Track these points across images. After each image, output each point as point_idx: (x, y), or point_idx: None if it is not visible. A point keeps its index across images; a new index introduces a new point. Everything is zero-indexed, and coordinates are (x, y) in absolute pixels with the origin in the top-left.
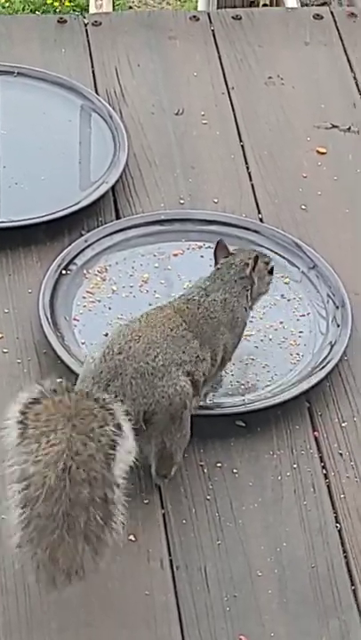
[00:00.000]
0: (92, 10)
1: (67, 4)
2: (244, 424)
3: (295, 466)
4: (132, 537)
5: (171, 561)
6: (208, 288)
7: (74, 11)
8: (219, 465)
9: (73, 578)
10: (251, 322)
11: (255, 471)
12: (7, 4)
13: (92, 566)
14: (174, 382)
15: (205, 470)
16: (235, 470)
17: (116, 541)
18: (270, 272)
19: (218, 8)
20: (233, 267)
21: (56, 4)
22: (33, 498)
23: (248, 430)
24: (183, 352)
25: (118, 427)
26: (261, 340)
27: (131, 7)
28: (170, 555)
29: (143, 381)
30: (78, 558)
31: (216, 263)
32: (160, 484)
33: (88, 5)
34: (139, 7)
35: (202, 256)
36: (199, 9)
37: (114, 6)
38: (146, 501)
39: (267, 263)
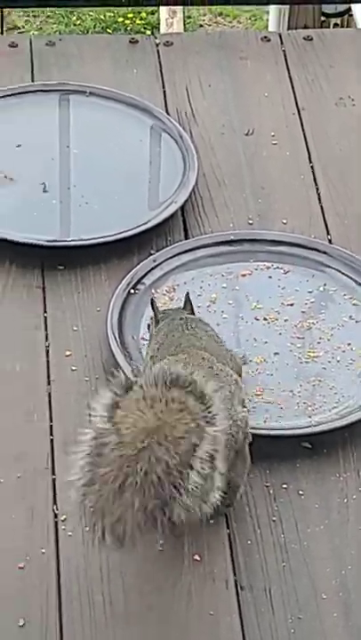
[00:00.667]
0: (163, 28)
1: (137, 22)
2: (310, 446)
3: None
4: (196, 557)
5: (236, 581)
6: (186, 317)
7: (145, 29)
8: (284, 486)
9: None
10: (318, 343)
11: (321, 493)
12: (78, 22)
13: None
14: (235, 420)
15: (271, 491)
16: (300, 492)
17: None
18: None
19: (288, 29)
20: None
21: (127, 22)
22: (104, 453)
23: (314, 452)
24: (229, 384)
25: (202, 429)
26: (329, 362)
27: (201, 25)
28: (235, 575)
29: None
30: (121, 519)
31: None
32: (226, 512)
33: (159, 23)
34: (209, 25)
35: (270, 277)
36: (270, 29)
37: (185, 24)
38: (211, 521)
39: None
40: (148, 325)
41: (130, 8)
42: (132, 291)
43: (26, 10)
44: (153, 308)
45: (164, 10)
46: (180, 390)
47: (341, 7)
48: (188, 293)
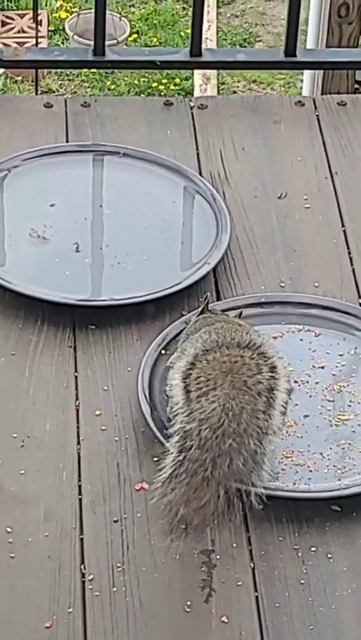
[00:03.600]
0: (197, 94)
1: (171, 87)
2: (339, 508)
3: None
4: (224, 618)
5: None
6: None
7: (178, 94)
8: (313, 549)
9: (195, 526)
10: (349, 406)
11: (350, 556)
12: (113, 87)
13: (215, 519)
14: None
15: (300, 554)
16: (329, 555)
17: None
18: None
19: (322, 94)
20: None
21: (161, 87)
22: (187, 446)
23: (343, 515)
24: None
25: (273, 369)
26: (359, 425)
27: (235, 92)
28: (262, 638)
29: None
30: (209, 505)
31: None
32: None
33: (193, 89)
34: (243, 92)
35: (301, 339)
36: (303, 95)
37: (218, 91)
38: (239, 583)
39: None
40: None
41: (165, 72)
42: (163, 351)
43: (60, 74)
44: (205, 305)
45: (197, 76)
46: (243, 350)
47: None
48: (240, 312)
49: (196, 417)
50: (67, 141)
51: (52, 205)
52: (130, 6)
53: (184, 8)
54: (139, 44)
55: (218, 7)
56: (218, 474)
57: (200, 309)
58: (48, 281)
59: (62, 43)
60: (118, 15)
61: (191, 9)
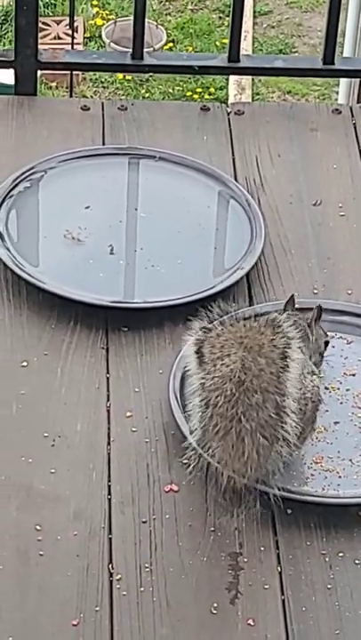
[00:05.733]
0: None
1: (206, 96)
2: None
3: None
4: (250, 621)
5: None
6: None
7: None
8: (341, 555)
9: (239, 477)
10: None
11: None
12: (147, 95)
13: (258, 468)
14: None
15: (327, 559)
16: (357, 561)
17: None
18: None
19: (358, 103)
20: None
21: (195, 96)
22: (213, 402)
23: None
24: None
25: (287, 339)
26: None
27: (269, 102)
28: None
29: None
30: (247, 455)
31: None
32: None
33: (227, 99)
34: (277, 102)
35: (333, 346)
36: (339, 102)
37: (253, 101)
38: (266, 587)
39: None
40: None
41: (199, 81)
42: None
43: (95, 81)
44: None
45: (232, 85)
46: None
47: None
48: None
49: (216, 374)
50: (103, 144)
51: (87, 207)
52: (166, 15)
53: (220, 17)
54: (174, 52)
55: (254, 17)
56: (250, 426)
57: (283, 307)
58: (82, 282)
59: (98, 50)
60: (155, 23)
61: (227, 18)
